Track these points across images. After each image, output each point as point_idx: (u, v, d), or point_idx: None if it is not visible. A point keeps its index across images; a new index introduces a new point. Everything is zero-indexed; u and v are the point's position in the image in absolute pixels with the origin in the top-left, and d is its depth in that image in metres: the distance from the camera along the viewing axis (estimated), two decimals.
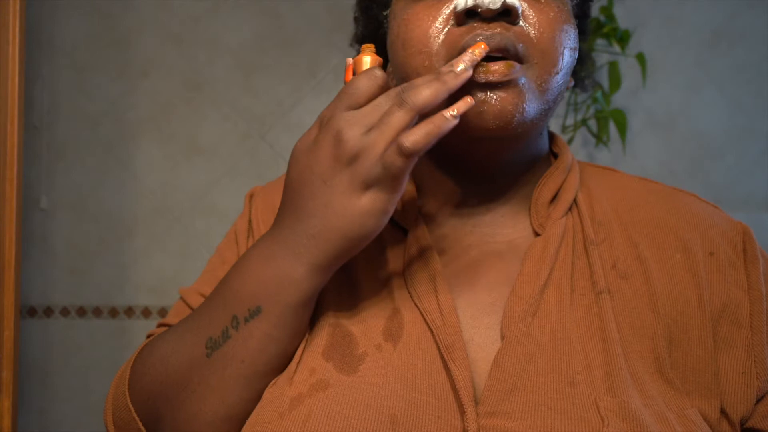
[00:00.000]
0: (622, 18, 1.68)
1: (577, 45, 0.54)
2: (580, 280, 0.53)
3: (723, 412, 0.50)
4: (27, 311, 1.71)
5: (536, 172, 0.59)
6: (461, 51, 0.50)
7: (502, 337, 0.50)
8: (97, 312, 1.73)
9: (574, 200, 0.58)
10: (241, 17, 1.74)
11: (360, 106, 0.48)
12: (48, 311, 1.73)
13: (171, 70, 1.74)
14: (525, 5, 0.51)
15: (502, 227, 0.57)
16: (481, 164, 0.56)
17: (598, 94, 1.66)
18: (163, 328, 0.63)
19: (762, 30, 1.75)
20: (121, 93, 1.73)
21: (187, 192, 1.74)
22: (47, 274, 1.72)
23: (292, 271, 0.49)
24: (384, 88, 0.49)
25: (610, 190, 0.60)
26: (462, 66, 0.47)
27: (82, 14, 1.72)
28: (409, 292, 0.53)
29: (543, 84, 0.51)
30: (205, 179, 1.74)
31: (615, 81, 1.64)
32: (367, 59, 0.53)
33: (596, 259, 0.53)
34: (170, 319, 0.64)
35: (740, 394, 0.50)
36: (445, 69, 0.47)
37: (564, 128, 1.70)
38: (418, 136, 0.45)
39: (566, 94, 1.68)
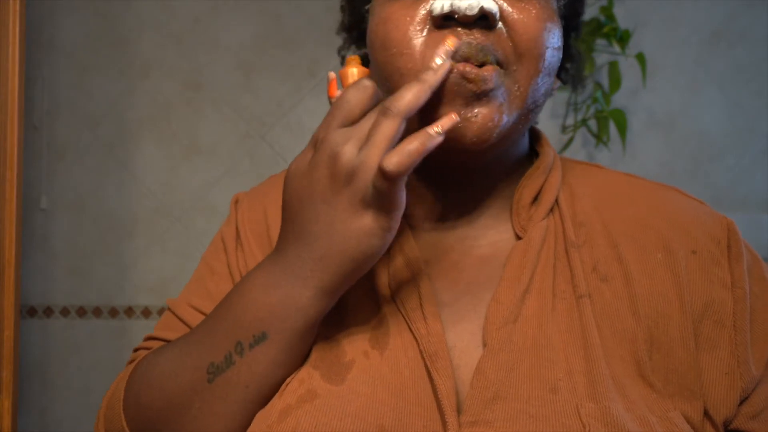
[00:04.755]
0: (622, 18, 1.68)
1: (561, 44, 0.53)
2: (561, 284, 0.52)
3: (706, 413, 0.49)
4: (27, 311, 1.71)
5: (517, 173, 0.58)
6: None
7: (484, 344, 0.49)
8: (97, 312, 1.73)
9: (556, 200, 0.57)
10: (241, 17, 1.74)
11: (354, 121, 0.47)
12: (48, 311, 1.73)
13: (171, 70, 1.74)
14: (504, 4, 0.50)
15: (484, 230, 0.57)
16: (459, 171, 0.56)
17: (598, 94, 1.66)
18: (152, 342, 0.62)
19: (762, 30, 1.75)
20: (121, 93, 1.73)
21: (187, 192, 1.74)
22: (47, 274, 1.72)
23: (299, 296, 0.48)
24: (375, 99, 0.48)
25: (592, 187, 0.59)
26: (439, 60, 0.47)
27: (82, 14, 1.72)
28: (394, 299, 0.53)
29: (523, 89, 0.50)
30: (205, 179, 1.74)
31: (615, 81, 1.64)
32: (354, 71, 0.51)
33: (577, 263, 0.53)
34: (158, 332, 0.62)
35: (723, 395, 0.49)
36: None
37: (564, 128, 1.70)
38: (400, 157, 0.44)
39: (566, 94, 1.68)
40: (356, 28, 0.62)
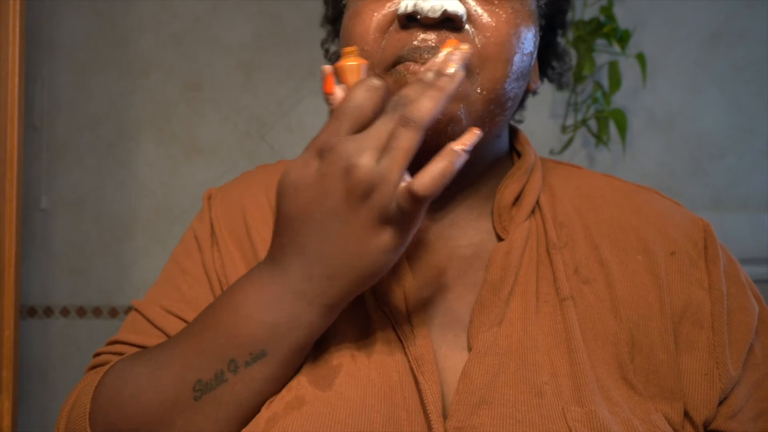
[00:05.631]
0: (622, 18, 1.68)
1: (533, 49, 0.52)
2: (544, 287, 0.52)
3: (686, 414, 0.49)
4: (27, 311, 1.71)
5: (497, 173, 0.57)
6: (398, 60, 0.49)
7: (469, 348, 0.49)
8: (97, 312, 1.73)
9: (537, 202, 0.56)
10: (241, 17, 1.74)
11: (365, 127, 0.44)
12: (48, 311, 1.73)
13: (171, 70, 1.74)
14: (474, 6, 0.49)
15: (465, 230, 0.56)
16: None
17: (598, 94, 1.66)
18: (118, 346, 0.58)
19: (762, 30, 1.75)
20: (121, 93, 1.73)
21: (187, 192, 1.74)
22: (47, 274, 1.72)
23: (305, 314, 0.46)
24: (385, 100, 0.45)
25: (572, 189, 0.58)
26: (452, 69, 0.45)
27: (82, 14, 1.72)
28: (378, 301, 0.52)
29: (486, 93, 0.49)
30: (205, 179, 1.74)
31: (615, 81, 1.64)
32: (353, 64, 0.48)
33: (559, 265, 0.52)
34: (125, 335, 0.58)
35: (703, 396, 0.50)
36: (429, 75, 0.45)
37: (564, 128, 1.70)
38: (432, 179, 0.42)
39: (566, 94, 1.68)
40: (338, 20, 0.61)
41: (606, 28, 1.62)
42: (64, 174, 1.72)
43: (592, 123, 1.70)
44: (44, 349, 1.72)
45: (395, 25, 0.50)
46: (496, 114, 0.51)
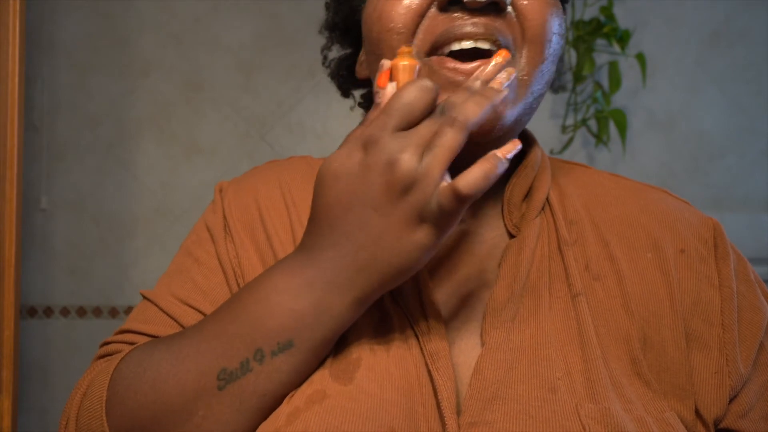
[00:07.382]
0: (622, 18, 1.68)
1: (564, 31, 0.53)
2: (556, 283, 0.52)
3: (697, 412, 0.49)
4: (27, 311, 1.71)
5: (509, 170, 0.57)
6: (436, 42, 0.49)
7: (483, 344, 0.49)
8: (97, 312, 1.73)
9: (547, 199, 0.56)
10: (241, 17, 1.74)
11: (413, 126, 0.44)
12: (48, 311, 1.73)
13: (171, 70, 1.74)
14: None
15: (476, 227, 0.56)
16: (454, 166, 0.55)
17: (598, 94, 1.66)
18: (128, 335, 0.57)
19: (762, 30, 1.75)
20: (121, 93, 1.73)
21: (187, 192, 1.74)
22: (47, 274, 1.72)
23: (335, 305, 0.46)
24: (435, 102, 0.45)
25: (580, 187, 0.59)
26: (505, 84, 0.46)
27: (82, 14, 1.72)
28: (394, 295, 0.52)
29: (528, 78, 0.50)
30: (205, 179, 1.74)
31: (615, 81, 1.64)
32: (407, 64, 0.48)
33: (571, 261, 0.53)
34: (136, 324, 0.57)
35: (713, 394, 0.50)
36: (476, 84, 0.45)
37: (564, 128, 1.70)
38: (476, 180, 0.42)
39: (566, 94, 1.68)
40: (343, 23, 0.61)
41: (606, 28, 1.62)
42: (64, 174, 1.72)
43: (592, 123, 1.70)
44: (44, 349, 1.72)
45: (433, 9, 0.50)
46: (535, 98, 0.52)
